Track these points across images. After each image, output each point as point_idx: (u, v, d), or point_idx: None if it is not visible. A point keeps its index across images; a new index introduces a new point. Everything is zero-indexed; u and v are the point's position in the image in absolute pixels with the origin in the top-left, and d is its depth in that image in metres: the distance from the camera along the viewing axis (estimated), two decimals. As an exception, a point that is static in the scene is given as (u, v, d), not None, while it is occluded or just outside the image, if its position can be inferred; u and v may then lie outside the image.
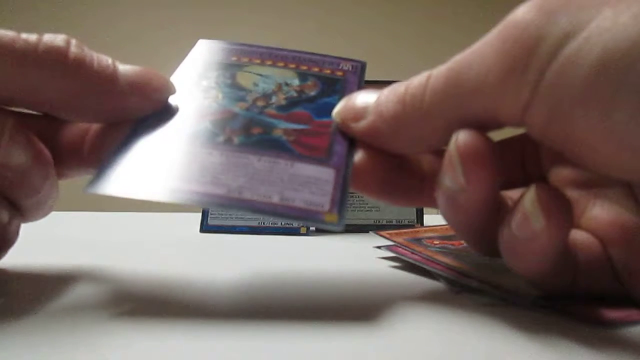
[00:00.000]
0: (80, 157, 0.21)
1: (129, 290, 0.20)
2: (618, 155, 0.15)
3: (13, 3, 1.77)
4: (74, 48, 0.18)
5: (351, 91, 0.23)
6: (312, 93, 0.23)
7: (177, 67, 0.24)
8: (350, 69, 0.25)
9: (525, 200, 0.16)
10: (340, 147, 0.20)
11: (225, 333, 0.15)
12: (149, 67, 0.20)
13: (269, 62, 0.24)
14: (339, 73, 0.24)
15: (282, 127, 0.20)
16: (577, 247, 0.18)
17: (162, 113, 0.21)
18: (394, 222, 0.39)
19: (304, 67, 0.24)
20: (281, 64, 0.24)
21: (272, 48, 0.25)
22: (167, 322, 0.16)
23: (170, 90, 0.21)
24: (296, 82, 0.23)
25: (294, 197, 0.17)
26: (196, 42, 0.26)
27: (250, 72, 0.24)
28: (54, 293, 0.19)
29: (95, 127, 0.21)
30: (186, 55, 0.25)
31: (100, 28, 1.80)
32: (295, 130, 0.20)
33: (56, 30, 0.21)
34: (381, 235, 0.29)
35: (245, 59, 0.25)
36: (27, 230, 0.22)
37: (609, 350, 0.14)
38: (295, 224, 0.38)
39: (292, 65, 0.24)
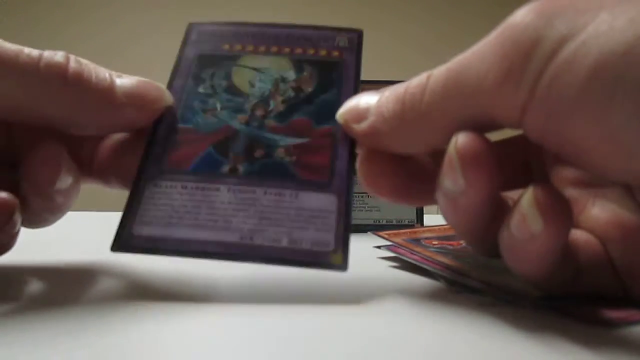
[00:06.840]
0: (90, 171, 0.22)
1: (132, 284, 0.20)
2: (615, 159, 0.15)
3: (7, 5, 1.76)
4: (73, 63, 0.19)
5: (348, 77, 0.23)
6: (309, 89, 0.23)
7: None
8: (347, 44, 0.24)
9: (523, 201, 0.16)
10: (341, 162, 0.20)
11: (223, 326, 0.15)
12: (144, 79, 0.21)
13: (263, 48, 0.24)
14: (336, 53, 0.24)
15: (283, 145, 0.21)
16: (577, 246, 0.18)
17: (166, 139, 0.21)
18: (394, 222, 0.39)
19: (299, 51, 0.24)
20: (275, 49, 0.24)
21: (263, 25, 0.25)
22: (172, 311, 0.16)
23: (167, 100, 0.22)
24: (292, 75, 0.23)
25: (302, 237, 0.18)
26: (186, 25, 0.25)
27: (245, 66, 0.24)
28: (55, 290, 0.19)
29: (105, 145, 0.22)
30: (179, 42, 0.25)
31: (97, 28, 1.79)
32: (296, 147, 0.21)
33: (52, 31, 0.22)
34: (379, 236, 0.29)
35: (238, 47, 0.24)
36: (29, 230, 0.22)
37: (609, 350, 0.14)
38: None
39: (287, 49, 0.24)
